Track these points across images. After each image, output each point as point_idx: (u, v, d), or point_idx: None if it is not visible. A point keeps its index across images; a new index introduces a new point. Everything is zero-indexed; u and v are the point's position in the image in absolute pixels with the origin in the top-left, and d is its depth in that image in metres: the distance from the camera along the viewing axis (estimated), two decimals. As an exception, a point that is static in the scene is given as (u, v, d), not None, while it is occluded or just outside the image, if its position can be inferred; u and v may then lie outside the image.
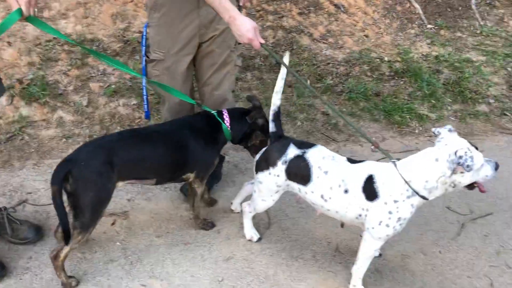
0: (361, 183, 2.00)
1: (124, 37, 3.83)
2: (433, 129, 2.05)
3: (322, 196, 2.07)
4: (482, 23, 4.80)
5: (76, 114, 3.27)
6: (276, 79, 2.19)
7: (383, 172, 2.00)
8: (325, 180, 2.05)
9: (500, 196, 3.01)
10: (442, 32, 4.64)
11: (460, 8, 4.88)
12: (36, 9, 1.97)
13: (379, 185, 1.98)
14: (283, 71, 2.17)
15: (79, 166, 2.00)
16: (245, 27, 2.03)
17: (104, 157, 2.05)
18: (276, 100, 2.19)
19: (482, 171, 1.95)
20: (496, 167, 2.00)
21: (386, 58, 4.24)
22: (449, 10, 4.86)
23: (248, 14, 4.35)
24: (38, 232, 2.35)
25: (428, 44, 4.48)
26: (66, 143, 3.07)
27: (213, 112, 2.38)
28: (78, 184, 2.00)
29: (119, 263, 2.28)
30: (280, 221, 2.66)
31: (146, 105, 2.56)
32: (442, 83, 4.09)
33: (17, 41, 3.56)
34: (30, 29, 3.65)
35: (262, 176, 2.21)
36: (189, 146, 2.24)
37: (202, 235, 2.50)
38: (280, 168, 2.15)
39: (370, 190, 1.98)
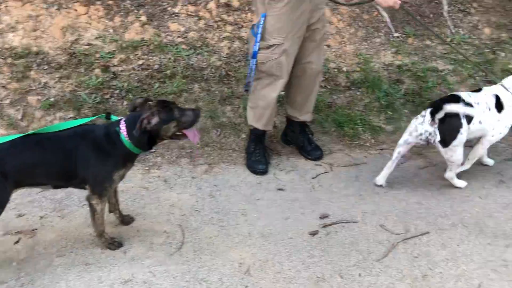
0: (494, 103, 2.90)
1: (71, 49, 3.77)
2: None
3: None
4: (454, 30, 4.61)
5: (9, 127, 3.21)
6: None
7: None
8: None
9: (442, 213, 2.82)
10: (409, 40, 4.46)
11: (431, 15, 4.69)
12: None
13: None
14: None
15: None
16: None
17: None
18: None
19: None
20: None
21: (344, 68, 4.08)
22: (419, 17, 4.68)
23: (206, 25, 4.27)
24: None
25: (393, 53, 4.31)
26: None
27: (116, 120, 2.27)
28: None
29: (9, 285, 2.18)
30: (194, 240, 2.53)
31: (248, 84, 2.90)
32: (402, 94, 3.91)
33: (-40, 54, 3.54)
34: (-24, 43, 3.64)
35: (457, 140, 2.76)
36: (78, 156, 2.15)
37: (107, 255, 2.39)
38: (465, 122, 2.75)
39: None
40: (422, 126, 2.80)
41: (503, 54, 4.32)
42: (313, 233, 2.61)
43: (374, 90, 3.89)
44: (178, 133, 2.25)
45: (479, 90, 3.02)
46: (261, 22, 2.72)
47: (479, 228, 2.70)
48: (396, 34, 4.51)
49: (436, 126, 2.75)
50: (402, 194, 2.97)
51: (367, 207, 2.84)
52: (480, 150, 3.06)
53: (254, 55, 2.80)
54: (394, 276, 2.35)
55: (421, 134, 2.81)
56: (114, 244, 2.42)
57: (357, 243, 2.56)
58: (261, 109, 3.03)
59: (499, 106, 2.92)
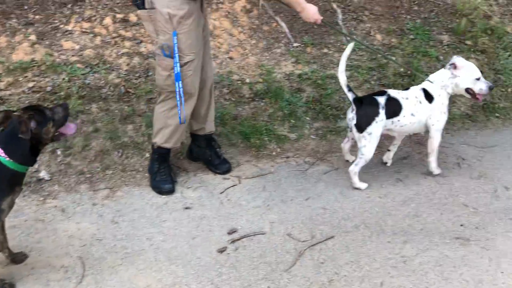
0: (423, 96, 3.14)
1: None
2: None
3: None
4: (349, 38, 4.83)
5: None
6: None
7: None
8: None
9: (346, 216, 2.92)
10: (308, 49, 4.61)
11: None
12: None
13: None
14: (347, 51, 3.06)
15: None
16: (313, 11, 2.90)
17: None
18: (344, 77, 3.04)
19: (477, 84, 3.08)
20: (491, 87, 3.12)
21: (247, 80, 4.12)
22: (316, 27, 4.85)
23: (103, 41, 4.10)
24: None
25: (293, 62, 4.42)
26: None
27: None
28: None
29: None
30: (96, 272, 2.39)
31: (179, 110, 2.80)
32: (303, 102, 4.02)
33: None
34: None
35: (371, 127, 2.99)
36: None
37: (-4, 300, 2.18)
38: (383, 112, 2.99)
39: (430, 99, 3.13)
40: (347, 115, 3.13)
41: (394, 58, 4.60)
42: (222, 250, 2.58)
43: (277, 100, 3.96)
44: (56, 133, 2.19)
45: (407, 89, 3.28)
46: (175, 41, 2.66)
47: (380, 227, 2.83)
48: (295, 44, 4.64)
49: (354, 111, 3.01)
50: (307, 200, 3.04)
51: (274, 217, 2.86)
52: (435, 142, 3.23)
53: (178, 77, 2.72)
54: (302, 285, 2.38)
55: (348, 124, 3.14)
56: (4, 286, 2.21)
57: (265, 255, 2.56)
58: (173, 128, 2.95)
59: (428, 98, 3.14)
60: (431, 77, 3.26)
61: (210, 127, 3.23)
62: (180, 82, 2.72)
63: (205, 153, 3.27)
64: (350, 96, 3.05)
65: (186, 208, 2.90)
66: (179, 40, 2.66)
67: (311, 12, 2.88)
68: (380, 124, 3.02)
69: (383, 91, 3.17)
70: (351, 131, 3.16)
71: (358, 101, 3.05)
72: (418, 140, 3.76)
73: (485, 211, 3.01)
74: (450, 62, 3.15)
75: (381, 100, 3.05)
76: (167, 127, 2.93)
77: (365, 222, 2.87)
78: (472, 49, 4.90)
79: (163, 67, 2.77)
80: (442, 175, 3.36)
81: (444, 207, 3.02)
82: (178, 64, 2.69)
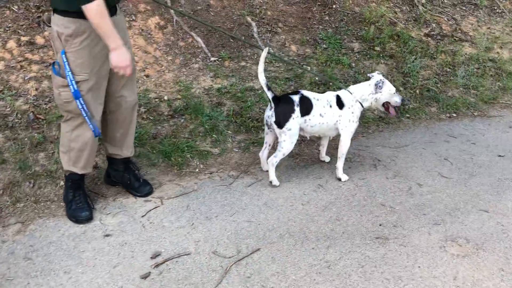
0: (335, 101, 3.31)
1: None
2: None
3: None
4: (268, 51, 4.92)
5: None
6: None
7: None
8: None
9: (270, 227, 2.93)
10: (226, 63, 4.63)
11: (243, 37, 4.95)
12: None
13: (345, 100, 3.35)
14: (263, 54, 3.21)
15: None
16: (127, 56, 2.58)
17: None
18: (263, 76, 3.18)
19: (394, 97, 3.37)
20: (403, 100, 3.45)
21: (165, 97, 4.06)
22: (232, 41, 4.90)
23: (7, 66, 3.87)
24: None
25: (211, 77, 4.43)
26: None
27: None
28: None
29: None
30: (7, 315, 2.21)
31: (91, 125, 2.72)
32: (224, 116, 4.02)
33: None
34: None
35: (289, 123, 3.17)
36: None
37: None
38: (298, 109, 3.18)
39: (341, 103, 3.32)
40: (266, 113, 3.29)
41: (309, 68, 4.74)
42: (145, 276, 2.49)
43: (197, 116, 3.93)
44: None
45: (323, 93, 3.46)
46: (65, 60, 2.59)
47: (304, 234, 2.87)
48: (212, 59, 4.65)
49: (273, 109, 3.18)
50: (232, 215, 3.02)
51: (199, 236, 2.82)
52: (343, 146, 3.40)
53: (78, 95, 2.64)
54: (229, 302, 2.35)
55: (267, 121, 3.28)
56: None
57: (191, 276, 2.51)
58: (77, 151, 2.84)
59: (340, 104, 3.32)
60: (352, 88, 3.42)
61: (127, 152, 3.13)
62: (81, 98, 2.65)
63: (123, 176, 3.16)
64: (270, 94, 3.18)
65: (106, 235, 2.78)
66: (68, 59, 2.60)
67: (126, 59, 2.57)
68: (296, 120, 3.20)
69: (297, 91, 3.32)
70: (269, 129, 3.31)
71: (276, 99, 3.19)
72: (337, 145, 3.89)
73: (401, 209, 3.16)
74: (380, 83, 3.33)
75: (296, 98, 3.23)
76: (71, 150, 2.82)
77: (289, 231, 2.90)
78: (381, 55, 5.18)
79: (55, 85, 2.71)
80: (360, 177, 3.50)
81: (364, 209, 3.14)
82: (73, 82, 2.62)
